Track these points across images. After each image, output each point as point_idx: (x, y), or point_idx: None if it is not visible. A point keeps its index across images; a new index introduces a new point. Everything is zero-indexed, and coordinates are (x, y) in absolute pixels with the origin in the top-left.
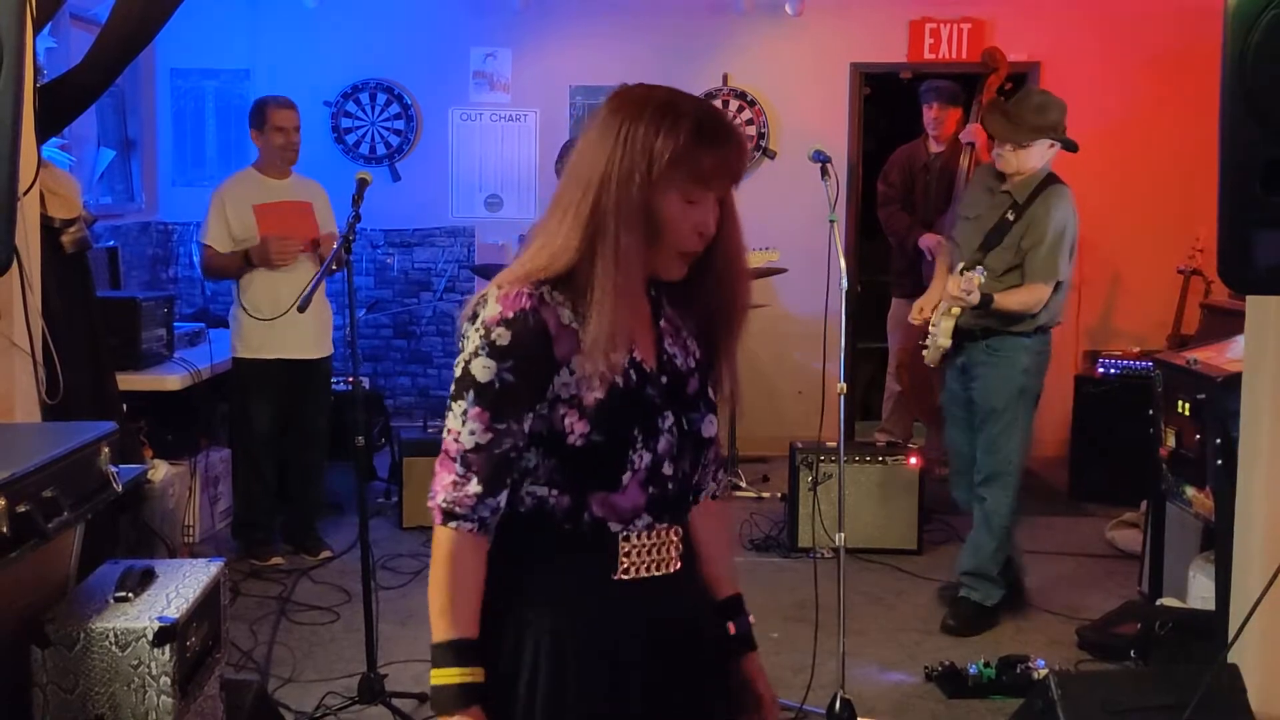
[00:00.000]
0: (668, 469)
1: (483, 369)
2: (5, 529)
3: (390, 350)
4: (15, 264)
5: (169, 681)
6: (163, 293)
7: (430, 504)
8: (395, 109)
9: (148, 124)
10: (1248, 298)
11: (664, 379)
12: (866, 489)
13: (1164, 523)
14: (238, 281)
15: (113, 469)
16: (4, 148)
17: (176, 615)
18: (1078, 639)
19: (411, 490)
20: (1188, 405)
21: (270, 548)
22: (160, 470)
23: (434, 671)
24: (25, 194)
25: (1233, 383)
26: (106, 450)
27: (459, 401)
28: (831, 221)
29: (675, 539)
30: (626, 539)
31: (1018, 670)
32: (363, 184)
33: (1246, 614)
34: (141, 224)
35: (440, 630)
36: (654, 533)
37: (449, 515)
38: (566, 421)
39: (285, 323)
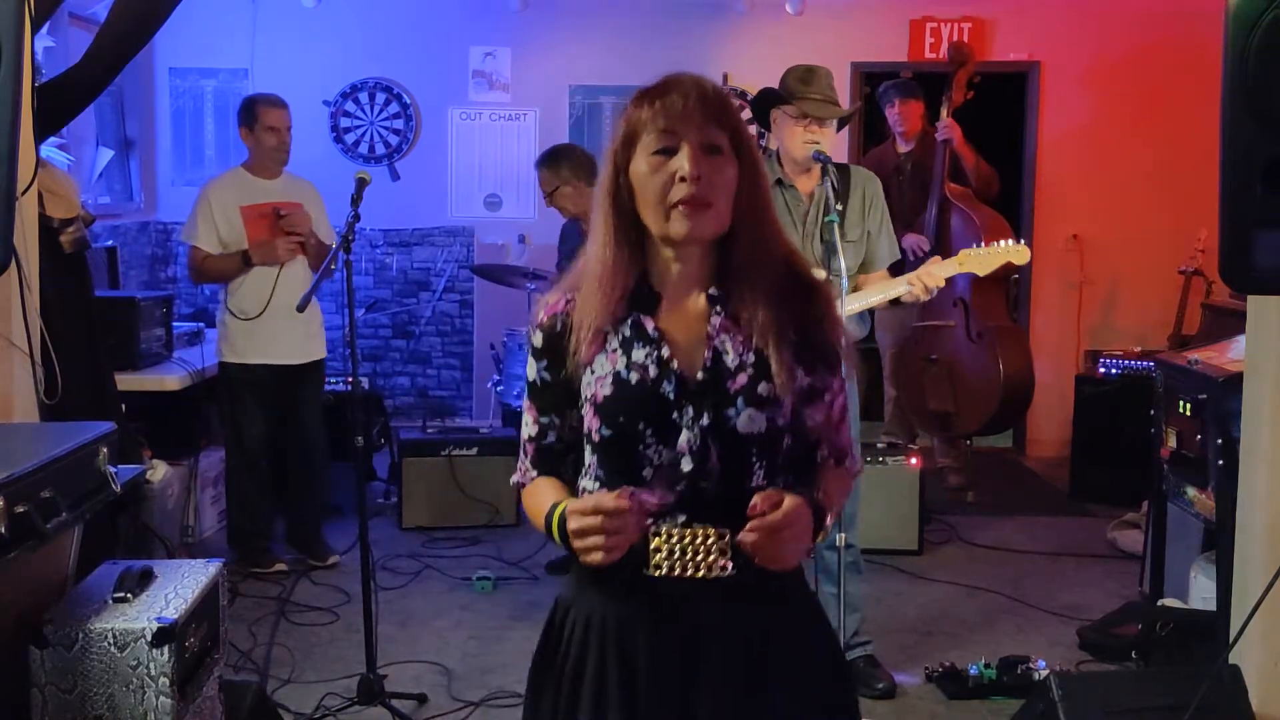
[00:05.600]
0: (687, 465)
1: (529, 368)
2: (3, 529)
3: (389, 350)
4: (13, 264)
5: (167, 682)
6: (161, 292)
7: (512, 480)
8: (394, 108)
9: (146, 123)
10: (1249, 298)
11: (700, 375)
12: (867, 489)
13: (1165, 523)
14: (226, 285)
15: (111, 469)
16: (2, 147)
17: (175, 616)
18: (1078, 640)
19: (411, 490)
20: (1189, 405)
21: (270, 555)
22: (159, 470)
23: (555, 529)
24: (23, 193)
25: (1234, 383)
26: (105, 450)
27: (525, 397)
28: (831, 221)
29: (718, 542)
30: (657, 534)
31: (1018, 671)
32: (362, 183)
33: (1248, 615)
34: (140, 223)
35: (540, 519)
36: (689, 533)
37: (523, 487)
38: (588, 419)
39: (271, 327)
